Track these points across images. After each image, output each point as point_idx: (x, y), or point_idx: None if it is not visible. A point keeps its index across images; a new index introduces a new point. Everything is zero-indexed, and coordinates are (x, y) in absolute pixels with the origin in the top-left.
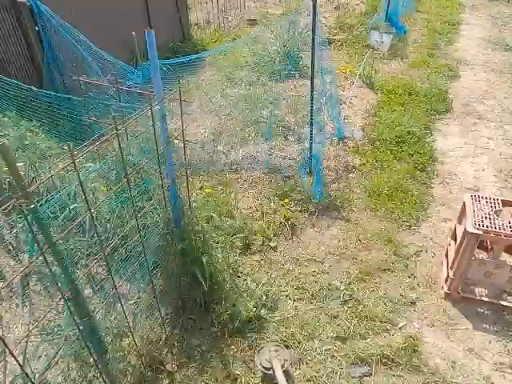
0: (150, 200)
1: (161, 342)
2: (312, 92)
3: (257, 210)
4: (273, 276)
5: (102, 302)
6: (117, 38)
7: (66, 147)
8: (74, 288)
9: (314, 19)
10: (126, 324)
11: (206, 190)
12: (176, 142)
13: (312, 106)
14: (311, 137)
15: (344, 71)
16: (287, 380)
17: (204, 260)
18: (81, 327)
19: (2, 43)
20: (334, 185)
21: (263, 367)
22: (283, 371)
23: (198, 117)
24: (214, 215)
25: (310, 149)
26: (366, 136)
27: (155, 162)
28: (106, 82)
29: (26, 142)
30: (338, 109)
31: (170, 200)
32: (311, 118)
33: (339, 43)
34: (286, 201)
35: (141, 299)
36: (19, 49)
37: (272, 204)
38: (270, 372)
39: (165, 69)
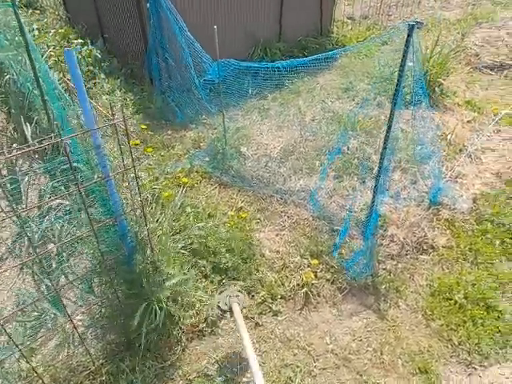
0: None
1: (84, 373)
2: (388, 133)
3: (281, 258)
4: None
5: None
6: (242, 28)
7: None
8: None
9: (404, 56)
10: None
11: (242, 215)
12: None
13: (385, 147)
14: (376, 186)
15: (495, 112)
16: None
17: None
18: None
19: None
20: (391, 262)
21: (220, 308)
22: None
23: (287, 126)
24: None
25: (373, 203)
26: (474, 210)
27: (98, 199)
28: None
29: None
30: (439, 159)
31: (120, 237)
32: (381, 160)
33: None
34: (316, 262)
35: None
36: (135, 24)
37: (299, 258)
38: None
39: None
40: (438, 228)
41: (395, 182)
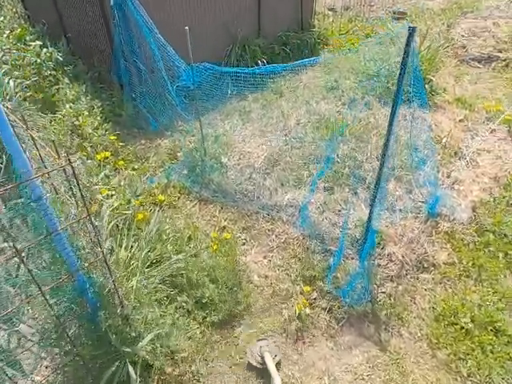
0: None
1: None
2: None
3: (270, 285)
4: None
5: None
6: (218, 24)
7: None
8: None
9: (405, 55)
10: None
11: (226, 236)
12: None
13: (385, 153)
14: (374, 199)
15: (487, 109)
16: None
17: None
18: None
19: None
20: (390, 285)
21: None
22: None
23: (270, 131)
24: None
25: (369, 218)
26: (474, 220)
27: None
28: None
29: None
30: (434, 164)
31: (80, 293)
32: (380, 170)
33: (503, 63)
34: (308, 289)
35: None
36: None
37: (290, 284)
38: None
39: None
40: (437, 242)
41: (390, 192)
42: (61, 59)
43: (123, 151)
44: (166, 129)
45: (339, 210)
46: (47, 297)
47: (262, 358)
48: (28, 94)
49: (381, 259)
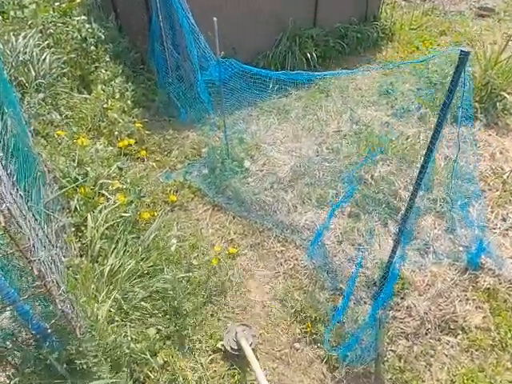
0: None
1: None
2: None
3: (266, 316)
4: None
5: None
6: (268, 9)
7: None
8: None
9: (453, 85)
10: None
11: (231, 250)
12: None
13: (419, 180)
14: (400, 235)
15: None
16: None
17: None
18: None
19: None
20: (404, 343)
21: (231, 348)
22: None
23: (305, 136)
24: None
25: (392, 258)
26: None
27: None
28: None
29: None
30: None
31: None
32: (412, 199)
33: None
34: (306, 330)
35: None
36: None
37: (282, 326)
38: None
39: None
40: (473, 301)
41: (425, 230)
42: (102, 36)
43: (148, 140)
44: (195, 120)
45: (360, 244)
46: None
47: (238, 343)
48: (66, 70)
49: (398, 311)
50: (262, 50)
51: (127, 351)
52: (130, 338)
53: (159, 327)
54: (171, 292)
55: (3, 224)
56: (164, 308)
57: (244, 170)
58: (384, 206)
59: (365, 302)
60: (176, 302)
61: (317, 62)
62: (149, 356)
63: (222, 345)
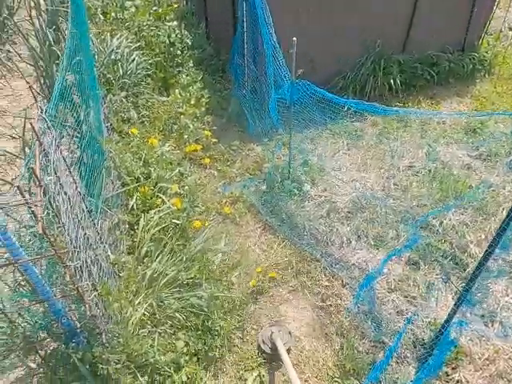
0: None
1: None
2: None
3: (298, 354)
4: None
5: None
6: (355, 29)
7: None
8: None
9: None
10: None
11: (272, 274)
12: None
13: (493, 246)
14: (463, 297)
15: None
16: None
17: None
18: None
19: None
20: None
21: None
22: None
23: (374, 166)
24: None
25: (449, 321)
26: None
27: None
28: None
29: None
30: None
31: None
32: (485, 257)
33: None
34: (337, 380)
35: None
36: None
37: (312, 367)
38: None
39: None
40: None
41: (494, 296)
42: (189, 42)
43: (214, 148)
44: (263, 135)
45: (414, 297)
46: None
47: (274, 343)
48: (151, 71)
49: (447, 382)
50: (343, 70)
51: (151, 361)
52: (156, 349)
53: (188, 341)
54: (206, 309)
55: (41, 231)
56: (196, 323)
57: (302, 193)
58: (449, 259)
59: (408, 363)
60: (210, 321)
61: (400, 89)
62: (172, 371)
63: (259, 345)
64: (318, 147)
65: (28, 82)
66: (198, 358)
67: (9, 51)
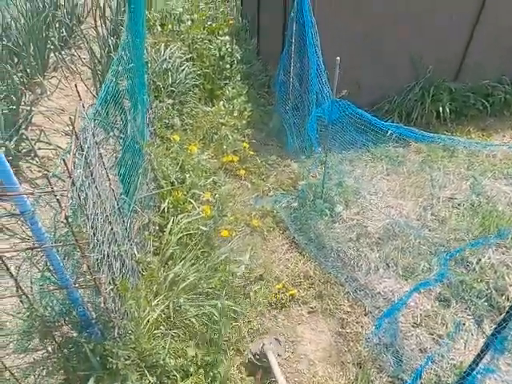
0: None
1: None
2: None
3: (312, 376)
4: None
5: None
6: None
7: None
8: None
9: None
10: None
11: (291, 293)
12: None
13: None
14: (490, 343)
15: None
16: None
17: None
18: None
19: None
20: None
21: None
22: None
23: (412, 194)
24: None
25: (473, 367)
26: None
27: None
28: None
29: None
30: None
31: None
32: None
33: None
34: None
35: None
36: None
37: None
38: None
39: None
40: None
41: None
42: (239, 57)
43: (251, 161)
44: (300, 152)
45: (441, 335)
46: (38, 297)
47: (265, 355)
48: (198, 82)
49: None
50: (389, 93)
51: (161, 362)
52: (167, 351)
53: (198, 352)
54: (220, 322)
55: (63, 219)
56: (208, 334)
57: (334, 214)
58: (484, 299)
59: None
60: (222, 334)
61: (449, 117)
62: (179, 377)
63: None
64: (356, 169)
65: (85, 84)
66: (204, 373)
67: (73, 55)
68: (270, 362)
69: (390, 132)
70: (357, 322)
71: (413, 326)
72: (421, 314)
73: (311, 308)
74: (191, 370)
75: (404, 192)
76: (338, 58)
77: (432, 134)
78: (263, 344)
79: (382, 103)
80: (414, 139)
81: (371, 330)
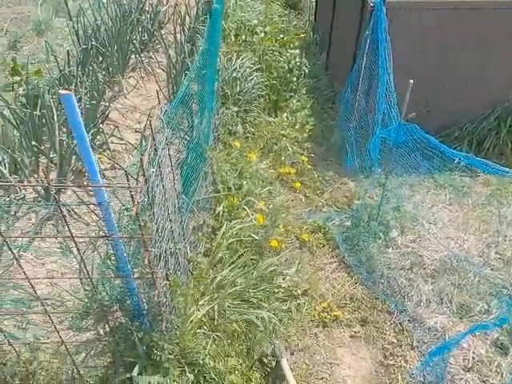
0: None
1: None
2: None
3: None
4: None
5: None
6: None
7: None
8: None
9: None
10: None
11: (335, 314)
12: None
13: None
14: None
15: None
16: None
17: None
18: None
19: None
20: None
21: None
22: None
23: (475, 228)
24: None
25: None
26: None
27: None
28: None
29: None
30: None
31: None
32: None
33: None
34: None
35: None
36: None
37: None
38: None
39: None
40: None
41: None
42: (306, 71)
43: (308, 174)
44: (359, 171)
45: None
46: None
47: (278, 361)
48: (264, 92)
49: None
50: (461, 120)
51: (201, 362)
52: (208, 352)
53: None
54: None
55: (134, 214)
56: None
57: (388, 239)
58: None
59: None
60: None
61: None
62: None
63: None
64: (416, 195)
65: (159, 86)
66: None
67: (151, 58)
68: (283, 370)
69: (457, 160)
70: (402, 355)
71: (463, 370)
72: (473, 358)
73: (354, 332)
74: (231, 377)
75: (467, 225)
76: (411, 80)
77: (506, 169)
78: (274, 345)
79: (452, 129)
80: (486, 172)
81: (416, 366)
